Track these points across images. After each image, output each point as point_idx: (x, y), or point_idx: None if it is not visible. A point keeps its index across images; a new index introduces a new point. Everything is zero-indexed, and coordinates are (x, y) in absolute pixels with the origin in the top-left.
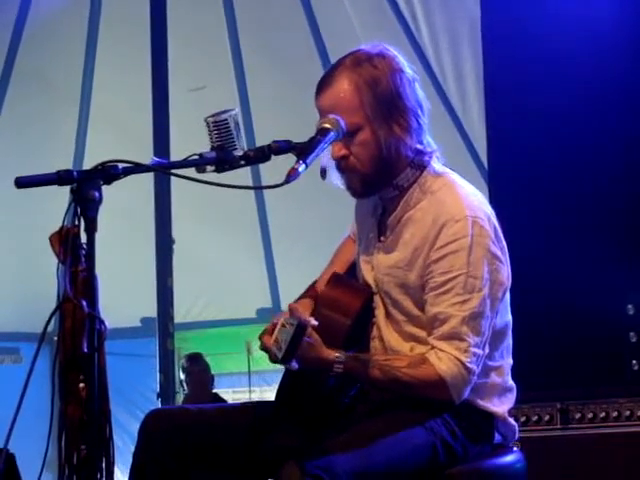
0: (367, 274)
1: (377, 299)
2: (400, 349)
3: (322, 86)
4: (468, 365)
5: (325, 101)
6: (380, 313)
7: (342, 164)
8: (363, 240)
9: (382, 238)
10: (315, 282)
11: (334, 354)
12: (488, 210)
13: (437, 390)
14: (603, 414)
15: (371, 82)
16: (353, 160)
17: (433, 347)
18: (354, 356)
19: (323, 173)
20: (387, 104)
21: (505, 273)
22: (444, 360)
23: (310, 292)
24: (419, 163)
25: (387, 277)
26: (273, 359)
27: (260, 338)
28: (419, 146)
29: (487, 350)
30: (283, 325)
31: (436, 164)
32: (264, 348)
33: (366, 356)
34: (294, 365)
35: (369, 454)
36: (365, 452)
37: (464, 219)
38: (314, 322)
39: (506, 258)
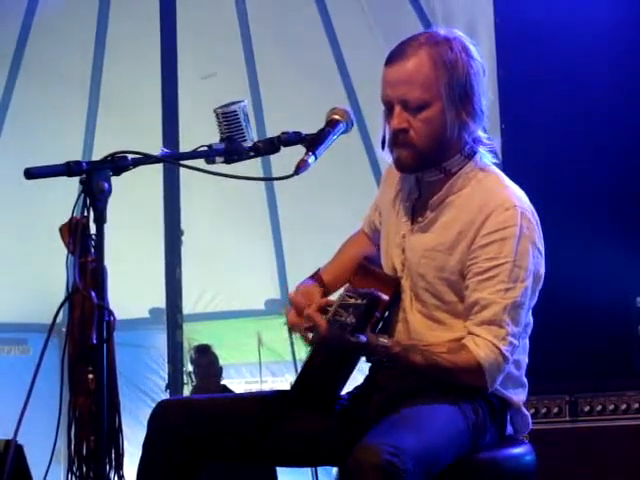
0: (396, 258)
1: (404, 283)
2: (423, 332)
3: (398, 56)
4: (505, 353)
5: (400, 71)
6: (406, 297)
7: (400, 137)
8: (391, 225)
9: (420, 219)
10: (319, 270)
11: (381, 339)
12: (531, 206)
13: (473, 376)
14: (612, 406)
15: (449, 63)
16: (413, 134)
17: (470, 332)
18: (397, 341)
19: (384, 144)
20: (460, 88)
21: (543, 269)
22: (482, 346)
23: (315, 277)
24: (470, 151)
25: (424, 260)
26: (328, 333)
27: (309, 314)
28: (481, 133)
29: (521, 342)
30: (344, 300)
31: (484, 156)
32: (314, 325)
33: (408, 342)
34: (362, 338)
35: (426, 435)
36: (422, 433)
37: (513, 208)
38: (385, 297)
39: (544, 255)
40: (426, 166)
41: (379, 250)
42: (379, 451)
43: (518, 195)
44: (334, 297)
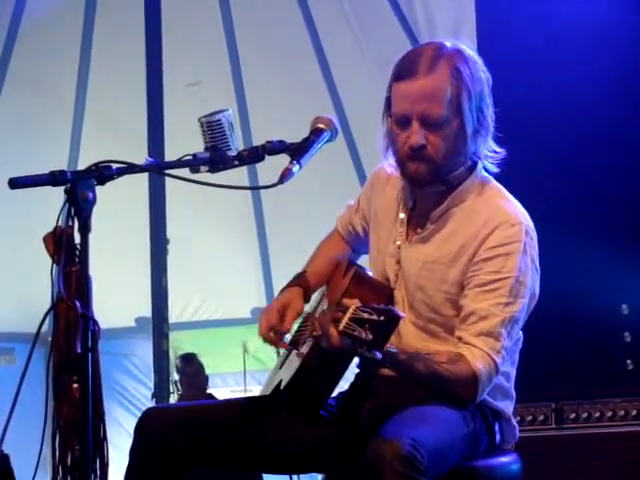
0: (389, 268)
1: (396, 294)
2: (415, 344)
3: (416, 72)
4: (498, 366)
5: (421, 87)
6: (399, 308)
7: (419, 153)
8: (383, 233)
9: (419, 230)
10: (305, 273)
11: (387, 347)
12: (532, 222)
13: (467, 387)
14: (598, 414)
15: (467, 78)
16: (430, 150)
17: (465, 342)
18: (402, 349)
19: (386, 154)
20: (477, 103)
21: (538, 287)
22: (478, 357)
23: (300, 281)
24: (470, 164)
25: (424, 272)
26: (341, 346)
27: (321, 324)
28: (491, 144)
29: (512, 356)
30: (356, 314)
31: (483, 167)
32: (328, 337)
33: (411, 350)
34: (378, 355)
35: (438, 434)
36: (434, 431)
37: (519, 225)
38: (403, 314)
39: (539, 273)
40: (440, 180)
41: (354, 252)
42: (400, 443)
43: (522, 211)
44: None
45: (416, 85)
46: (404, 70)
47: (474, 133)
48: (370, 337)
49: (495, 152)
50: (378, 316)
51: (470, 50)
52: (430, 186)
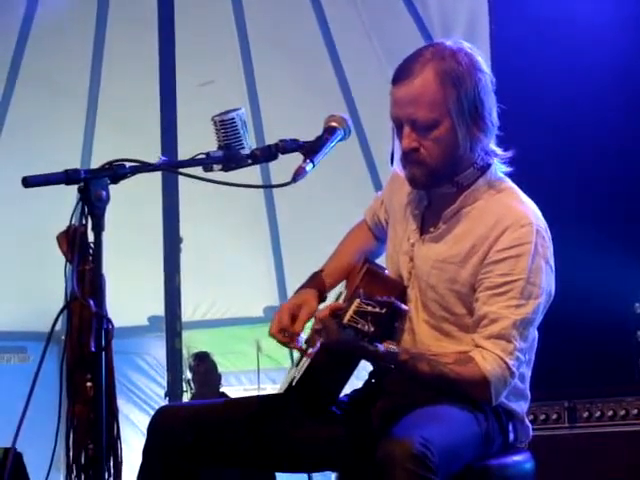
0: (403, 265)
1: (410, 292)
2: (430, 343)
3: (404, 75)
4: (512, 368)
5: (407, 90)
6: (412, 306)
7: (411, 156)
8: (399, 230)
9: (432, 229)
10: (321, 271)
11: (390, 346)
12: (545, 222)
13: (479, 389)
14: (611, 412)
15: (456, 79)
16: (424, 153)
17: (477, 345)
18: (405, 349)
19: (393, 159)
20: (469, 103)
21: (554, 286)
22: (489, 360)
23: (315, 282)
24: (482, 164)
25: (435, 271)
26: (340, 338)
27: (320, 318)
28: (492, 147)
29: (528, 357)
30: (360, 307)
31: (498, 168)
32: (327, 328)
33: (415, 350)
34: (381, 348)
35: (449, 432)
36: (445, 430)
37: (529, 225)
38: (406, 308)
39: (554, 272)
40: (439, 183)
41: (381, 243)
42: (411, 442)
43: (534, 211)
44: (339, 297)
45: (401, 89)
46: (396, 74)
47: (469, 134)
48: (372, 329)
49: (504, 151)
50: (380, 308)
51: (471, 50)
52: (439, 187)
